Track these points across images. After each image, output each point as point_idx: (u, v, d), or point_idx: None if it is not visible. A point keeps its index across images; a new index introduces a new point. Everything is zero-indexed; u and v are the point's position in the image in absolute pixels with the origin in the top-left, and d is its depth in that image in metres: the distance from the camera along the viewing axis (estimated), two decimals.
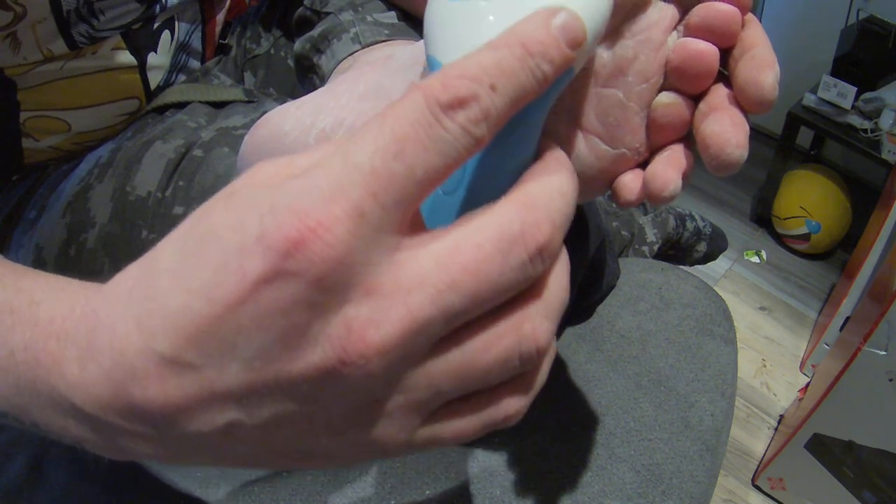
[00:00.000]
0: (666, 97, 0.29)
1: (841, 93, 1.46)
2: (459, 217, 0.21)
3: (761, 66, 0.27)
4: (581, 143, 0.29)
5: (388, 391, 0.21)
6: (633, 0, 0.27)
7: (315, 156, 0.21)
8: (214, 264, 0.19)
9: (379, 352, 0.19)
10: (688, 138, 0.29)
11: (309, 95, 0.37)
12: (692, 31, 0.28)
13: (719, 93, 0.28)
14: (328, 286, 0.19)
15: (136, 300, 0.21)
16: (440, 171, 0.20)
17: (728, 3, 0.28)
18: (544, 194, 0.22)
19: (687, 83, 0.28)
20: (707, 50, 0.28)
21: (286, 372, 0.20)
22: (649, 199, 0.28)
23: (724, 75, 0.28)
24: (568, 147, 0.29)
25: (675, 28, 0.28)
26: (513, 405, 0.23)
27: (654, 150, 0.30)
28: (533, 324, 0.22)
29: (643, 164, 0.31)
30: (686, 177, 0.28)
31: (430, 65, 0.26)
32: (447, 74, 0.20)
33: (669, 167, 0.28)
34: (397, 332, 0.19)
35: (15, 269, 0.29)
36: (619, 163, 0.29)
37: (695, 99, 0.29)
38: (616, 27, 0.28)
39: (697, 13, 0.28)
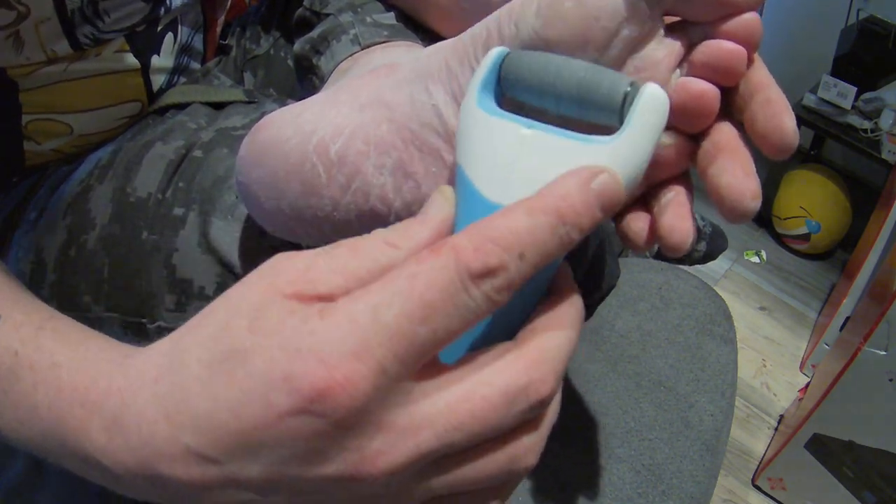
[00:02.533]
0: (665, 137, 0.28)
1: (841, 93, 1.46)
2: (471, 349, 0.24)
3: (780, 111, 0.26)
4: None
5: (390, 493, 0.23)
6: (636, 35, 0.27)
7: (339, 282, 0.23)
8: (242, 387, 0.21)
9: (385, 473, 0.22)
10: (685, 173, 0.29)
11: (309, 100, 0.37)
12: (696, 69, 0.27)
13: (724, 131, 0.27)
14: (348, 426, 0.21)
15: (164, 393, 0.23)
16: (460, 331, 0.22)
17: (736, 41, 0.27)
18: (552, 350, 0.24)
19: (687, 123, 0.28)
20: (709, 91, 0.27)
21: (303, 477, 0.22)
22: (666, 251, 0.28)
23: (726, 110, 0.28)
24: None
25: (679, 65, 0.28)
26: (494, 499, 0.26)
27: (650, 186, 0.29)
28: (527, 453, 0.24)
29: (642, 199, 0.30)
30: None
31: (458, 174, 0.26)
32: (480, 237, 0.21)
33: (682, 220, 0.28)
34: (404, 462, 0.22)
35: (31, 318, 0.31)
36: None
37: (695, 136, 0.28)
38: (619, 60, 0.28)
39: (703, 51, 0.27)
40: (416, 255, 0.22)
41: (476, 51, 0.31)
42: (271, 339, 0.21)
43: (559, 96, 0.26)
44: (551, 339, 0.24)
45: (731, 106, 0.28)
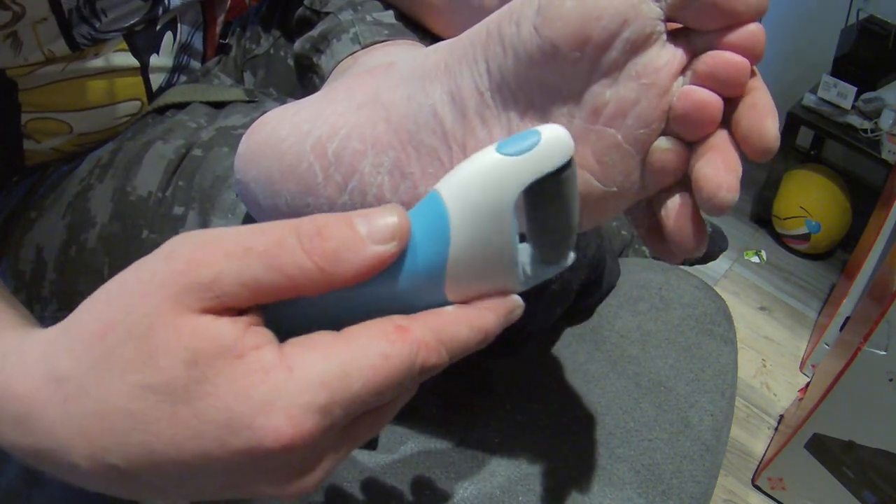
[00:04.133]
0: (664, 142, 0.28)
1: (841, 93, 1.46)
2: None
3: (763, 114, 0.26)
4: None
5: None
6: (637, 38, 0.27)
7: (247, 296, 0.23)
8: (190, 426, 0.23)
9: (314, 487, 0.26)
10: (686, 180, 0.28)
11: (306, 100, 0.37)
12: (699, 79, 0.27)
13: (717, 135, 0.27)
14: (291, 468, 0.24)
15: (79, 416, 0.24)
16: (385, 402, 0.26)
17: (739, 52, 0.27)
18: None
19: (688, 131, 0.28)
20: (712, 101, 0.27)
21: (232, 488, 0.25)
22: (676, 254, 0.29)
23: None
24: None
25: (682, 72, 0.28)
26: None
27: (649, 192, 0.29)
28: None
29: (649, 204, 0.30)
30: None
31: (433, 202, 0.25)
32: (438, 338, 0.25)
33: (688, 224, 0.28)
34: (327, 473, 0.26)
35: None
36: (608, 199, 0.29)
37: (694, 143, 0.28)
38: (619, 63, 0.27)
39: (706, 61, 0.27)
40: (384, 332, 0.24)
41: (475, 51, 0.31)
42: (225, 387, 0.22)
43: (545, 233, 0.27)
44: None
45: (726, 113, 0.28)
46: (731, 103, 0.27)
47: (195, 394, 0.22)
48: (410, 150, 0.32)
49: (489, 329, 0.27)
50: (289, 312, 0.25)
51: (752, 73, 0.27)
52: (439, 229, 0.25)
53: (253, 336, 0.23)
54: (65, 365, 0.24)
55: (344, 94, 0.35)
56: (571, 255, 0.28)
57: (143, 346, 0.23)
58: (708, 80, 0.27)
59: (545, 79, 0.29)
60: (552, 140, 0.25)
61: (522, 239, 0.28)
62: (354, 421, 0.25)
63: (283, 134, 0.36)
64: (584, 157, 0.29)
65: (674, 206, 0.29)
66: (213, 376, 0.22)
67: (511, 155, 0.25)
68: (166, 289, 0.23)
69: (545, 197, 0.26)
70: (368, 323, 0.25)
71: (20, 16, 0.44)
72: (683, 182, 0.29)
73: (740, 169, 0.26)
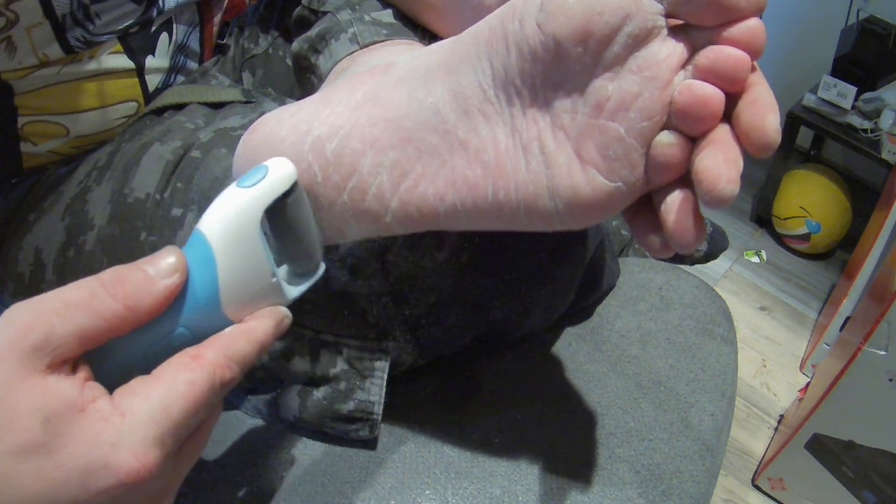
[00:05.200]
0: (666, 137, 0.28)
1: (841, 93, 1.46)
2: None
3: (764, 110, 0.26)
4: (578, 173, 0.29)
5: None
6: (639, 33, 0.27)
7: (76, 344, 0.28)
8: (54, 477, 0.26)
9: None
10: (688, 176, 0.29)
11: (305, 100, 0.37)
12: (700, 73, 0.27)
13: (718, 129, 0.27)
14: (144, 491, 0.28)
15: None
16: (205, 416, 0.31)
17: (739, 47, 0.27)
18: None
19: (690, 125, 0.28)
20: (713, 95, 0.27)
21: None
22: (675, 250, 0.30)
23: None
24: (568, 177, 0.29)
25: (683, 67, 0.28)
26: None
27: (652, 186, 0.29)
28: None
29: (647, 200, 0.31)
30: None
31: (204, 254, 0.31)
32: (227, 356, 0.30)
33: (688, 219, 0.28)
34: (174, 492, 0.32)
35: None
36: (615, 196, 0.29)
37: (696, 138, 0.28)
38: (621, 57, 0.27)
39: (706, 55, 0.27)
40: (184, 363, 0.29)
41: (478, 49, 0.31)
42: (77, 438, 0.26)
43: (291, 247, 0.34)
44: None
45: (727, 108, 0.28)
46: (733, 99, 0.27)
47: (54, 447, 0.26)
48: (411, 150, 0.32)
49: (263, 340, 0.32)
50: (110, 365, 0.30)
51: (753, 69, 0.27)
52: (207, 260, 0.31)
53: (89, 391, 0.28)
54: None
55: (343, 94, 0.35)
56: (322, 266, 0.35)
57: (3, 411, 0.26)
58: (709, 75, 0.27)
59: (548, 74, 0.29)
60: (278, 170, 0.31)
61: (280, 262, 0.34)
62: (183, 444, 0.30)
63: (281, 134, 0.36)
64: (588, 152, 0.29)
65: (674, 201, 0.29)
66: (66, 430, 0.26)
67: (247, 187, 0.31)
68: (11, 356, 0.26)
69: (282, 219, 0.32)
70: (169, 360, 0.30)
71: (14, 22, 0.44)
72: (685, 179, 0.29)
73: (741, 162, 0.26)
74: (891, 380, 0.91)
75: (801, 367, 1.41)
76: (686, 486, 0.48)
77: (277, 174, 0.31)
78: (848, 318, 1.26)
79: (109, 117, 0.52)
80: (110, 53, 0.50)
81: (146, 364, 0.30)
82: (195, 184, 0.46)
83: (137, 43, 0.52)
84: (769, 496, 1.18)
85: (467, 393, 0.53)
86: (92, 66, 0.50)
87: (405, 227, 0.34)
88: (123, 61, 0.51)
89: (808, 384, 1.22)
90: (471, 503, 0.46)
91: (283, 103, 0.43)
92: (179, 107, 0.54)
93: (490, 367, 0.54)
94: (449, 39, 0.33)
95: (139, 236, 0.46)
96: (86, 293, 0.28)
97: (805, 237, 1.60)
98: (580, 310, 0.58)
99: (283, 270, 0.35)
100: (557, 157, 0.29)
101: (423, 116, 0.32)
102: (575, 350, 0.56)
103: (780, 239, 1.68)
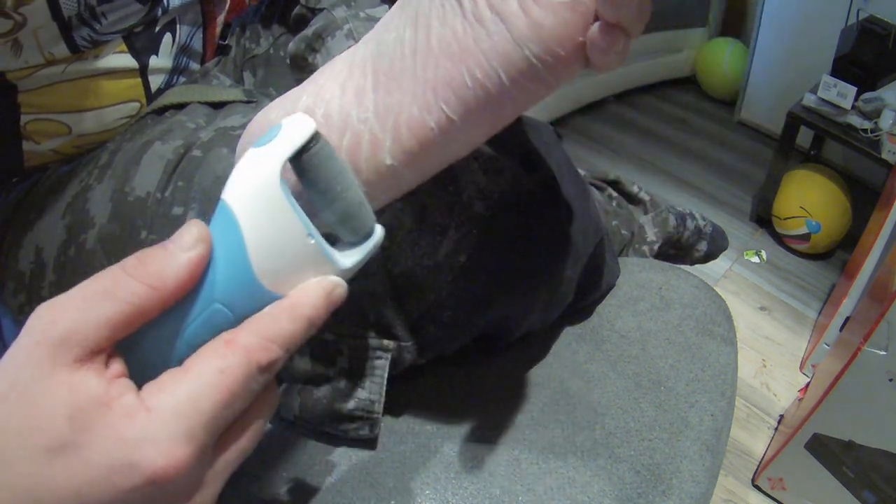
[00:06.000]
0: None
1: (841, 93, 1.45)
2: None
3: None
4: (532, 7, 0.29)
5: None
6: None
7: (106, 335, 0.27)
8: (82, 475, 0.25)
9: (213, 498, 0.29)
10: None
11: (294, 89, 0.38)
12: None
13: None
14: (178, 493, 0.27)
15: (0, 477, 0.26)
16: (245, 407, 0.29)
17: None
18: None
19: None
20: None
21: None
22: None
23: None
24: (525, 17, 0.29)
25: None
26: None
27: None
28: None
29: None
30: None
31: (229, 224, 0.29)
32: (263, 339, 0.28)
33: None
34: (216, 493, 0.30)
35: None
36: (575, 9, 0.29)
37: None
38: None
39: None
40: (214, 350, 0.28)
41: None
42: (103, 435, 0.26)
43: (335, 210, 0.31)
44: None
45: None
46: None
47: (80, 444, 0.25)
48: (387, 82, 0.33)
49: (311, 314, 0.30)
50: (147, 357, 0.29)
51: None
52: (230, 225, 0.29)
53: (116, 387, 0.27)
54: None
55: (324, 70, 0.37)
56: (377, 230, 0.32)
57: (31, 409, 0.26)
58: None
59: None
60: (292, 124, 0.30)
61: (328, 230, 0.32)
62: (227, 431, 0.29)
63: (271, 116, 0.37)
64: None
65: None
66: (91, 425, 0.26)
67: (261, 146, 0.29)
68: (37, 353, 0.26)
69: (312, 177, 0.30)
70: (201, 349, 0.28)
71: (22, 24, 0.44)
72: None
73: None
74: (891, 380, 0.91)
75: (801, 367, 1.41)
76: (686, 486, 0.48)
77: (291, 127, 0.30)
78: (848, 318, 1.26)
79: (112, 117, 0.53)
80: (115, 53, 0.51)
81: (187, 352, 0.29)
82: (196, 183, 0.46)
83: (141, 42, 0.52)
84: (769, 496, 1.18)
85: (467, 392, 0.53)
86: (96, 64, 0.50)
87: (410, 165, 0.34)
88: (127, 61, 0.52)
89: (808, 384, 1.22)
90: (471, 503, 0.46)
91: None
92: (180, 106, 0.54)
93: (490, 367, 0.54)
94: None
95: (140, 235, 0.46)
96: (108, 280, 0.27)
97: (805, 237, 1.60)
98: (580, 310, 0.58)
99: (332, 239, 0.32)
100: (509, 6, 0.29)
101: (390, 49, 0.33)
102: (575, 350, 0.56)
103: (780, 239, 1.68)
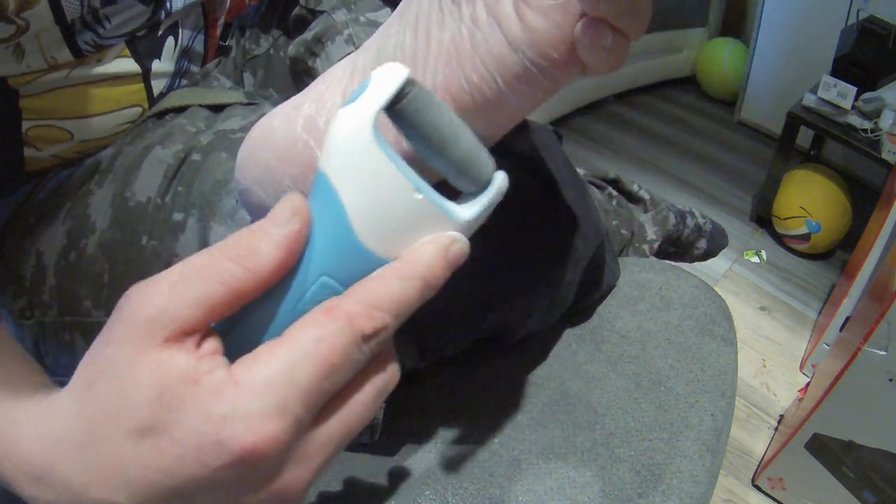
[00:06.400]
0: None
1: (841, 93, 1.45)
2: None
3: None
4: (525, 11, 0.29)
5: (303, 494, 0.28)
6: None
7: (198, 315, 0.26)
8: (171, 453, 0.25)
9: (304, 490, 0.27)
10: None
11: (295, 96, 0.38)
12: None
13: None
14: (273, 470, 0.26)
15: (91, 463, 0.25)
16: (350, 379, 0.27)
17: None
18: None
19: None
20: None
21: None
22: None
23: None
24: (518, 20, 0.29)
25: None
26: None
27: None
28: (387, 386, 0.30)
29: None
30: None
31: (326, 191, 0.27)
32: (367, 305, 0.26)
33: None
34: (316, 473, 0.27)
35: None
36: (565, 10, 0.29)
37: None
38: None
39: None
40: (313, 319, 0.26)
41: None
42: (190, 413, 0.25)
43: (442, 155, 0.28)
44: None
45: None
46: None
47: (168, 422, 0.25)
48: None
49: (425, 273, 0.27)
50: (249, 338, 0.27)
51: None
52: (327, 192, 0.27)
53: (206, 363, 0.25)
54: (68, 422, 0.26)
55: (325, 76, 0.37)
56: (498, 176, 0.29)
57: (120, 390, 0.25)
58: None
59: None
60: (382, 75, 0.27)
61: (447, 185, 0.29)
62: (327, 406, 0.27)
63: (274, 123, 0.37)
64: None
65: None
66: (179, 404, 0.25)
67: (350, 102, 0.27)
68: (128, 334, 0.25)
69: (412, 125, 0.28)
70: (300, 320, 0.26)
71: (24, 29, 0.44)
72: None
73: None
74: (891, 380, 0.91)
75: (801, 367, 1.41)
76: (686, 486, 0.48)
77: (381, 77, 0.27)
78: (848, 318, 1.26)
79: (114, 122, 0.53)
80: (118, 57, 0.51)
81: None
82: (196, 188, 0.46)
83: (144, 46, 0.52)
84: (769, 496, 1.18)
85: (467, 393, 0.53)
86: (99, 69, 0.50)
87: None
88: (130, 65, 0.52)
89: (808, 384, 1.22)
90: (471, 503, 0.46)
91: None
92: (181, 109, 0.54)
93: (490, 368, 0.54)
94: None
95: (140, 241, 0.46)
96: (202, 261, 0.26)
97: (805, 237, 1.60)
98: (580, 310, 0.58)
99: (442, 198, 0.29)
100: (504, 9, 0.29)
101: (391, 55, 0.33)
102: (575, 350, 0.56)
103: (780, 239, 1.68)
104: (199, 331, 0.26)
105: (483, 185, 0.29)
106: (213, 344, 0.26)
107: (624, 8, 0.27)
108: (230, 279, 0.26)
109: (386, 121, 0.28)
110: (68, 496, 0.26)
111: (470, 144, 0.29)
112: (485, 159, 0.29)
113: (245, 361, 0.26)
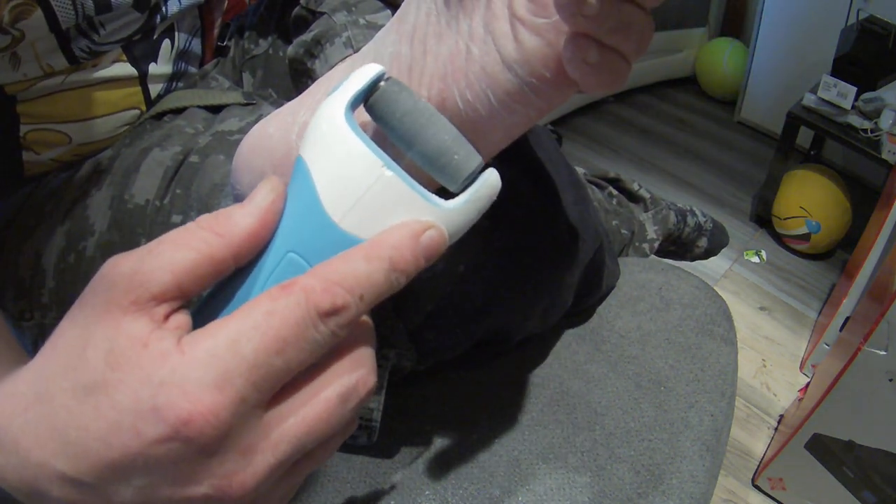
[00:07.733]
0: None
1: (841, 93, 1.45)
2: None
3: None
4: (520, 30, 0.29)
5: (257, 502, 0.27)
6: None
7: (168, 279, 0.25)
8: (109, 418, 0.24)
9: (251, 491, 0.25)
10: None
11: (292, 100, 0.38)
12: None
13: None
14: (211, 451, 0.24)
15: (34, 422, 0.25)
16: (308, 361, 0.25)
17: None
18: (367, 351, 0.28)
19: None
20: None
21: (173, 498, 0.25)
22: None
23: None
24: (512, 39, 0.29)
25: None
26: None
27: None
28: (354, 411, 0.28)
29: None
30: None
31: (300, 172, 0.27)
32: (327, 280, 0.25)
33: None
34: (266, 476, 0.25)
35: None
36: (560, 28, 0.28)
37: None
38: None
39: None
40: (269, 293, 0.25)
41: None
42: (132, 374, 0.24)
43: (417, 148, 0.28)
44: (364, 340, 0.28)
45: None
46: None
47: (111, 384, 0.24)
48: None
49: (392, 256, 0.26)
50: (208, 317, 0.27)
51: None
52: (302, 175, 0.27)
53: (162, 331, 0.25)
54: (25, 383, 0.26)
55: (322, 83, 0.36)
56: (490, 172, 0.29)
57: (75, 348, 0.25)
58: None
59: None
60: (359, 70, 0.28)
61: (429, 178, 0.29)
62: (291, 398, 0.26)
63: (269, 130, 0.36)
64: (520, 6, 0.28)
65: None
66: (124, 365, 0.24)
67: (331, 93, 0.28)
68: (96, 297, 0.25)
69: (385, 115, 0.28)
70: (259, 295, 0.25)
71: (20, 39, 0.44)
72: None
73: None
74: (891, 380, 0.91)
75: (801, 367, 1.41)
76: (686, 486, 0.48)
77: (358, 72, 0.28)
78: (848, 318, 1.26)
79: (112, 125, 0.53)
80: (114, 62, 0.50)
81: None
82: (193, 190, 0.46)
83: (140, 51, 0.52)
84: (769, 496, 1.18)
85: (467, 393, 0.53)
86: (96, 74, 0.50)
87: None
88: (127, 69, 0.52)
89: (808, 384, 1.22)
90: (471, 503, 0.46)
91: (281, 105, 0.43)
92: (179, 111, 0.54)
93: (490, 368, 0.54)
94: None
95: (139, 243, 0.46)
96: (178, 231, 0.26)
97: (805, 237, 1.60)
98: (580, 310, 0.58)
99: (414, 182, 0.28)
100: (501, 25, 0.29)
101: (386, 66, 0.32)
102: (575, 350, 0.56)
103: (780, 239, 1.68)
104: (169, 299, 0.25)
105: (467, 182, 0.29)
106: (181, 319, 0.26)
107: (612, 25, 0.26)
108: (202, 245, 0.25)
109: (359, 110, 0.29)
110: (16, 459, 0.25)
111: (445, 138, 0.29)
112: (465, 154, 0.29)
113: (196, 333, 0.25)
